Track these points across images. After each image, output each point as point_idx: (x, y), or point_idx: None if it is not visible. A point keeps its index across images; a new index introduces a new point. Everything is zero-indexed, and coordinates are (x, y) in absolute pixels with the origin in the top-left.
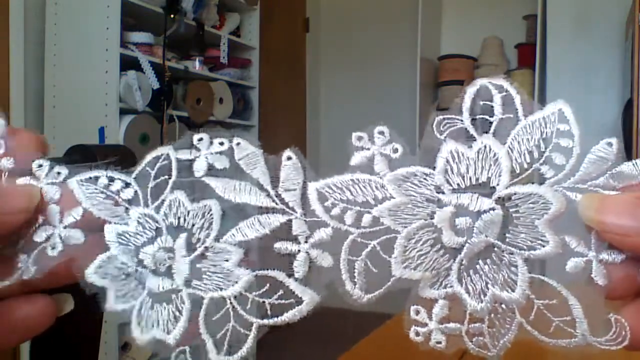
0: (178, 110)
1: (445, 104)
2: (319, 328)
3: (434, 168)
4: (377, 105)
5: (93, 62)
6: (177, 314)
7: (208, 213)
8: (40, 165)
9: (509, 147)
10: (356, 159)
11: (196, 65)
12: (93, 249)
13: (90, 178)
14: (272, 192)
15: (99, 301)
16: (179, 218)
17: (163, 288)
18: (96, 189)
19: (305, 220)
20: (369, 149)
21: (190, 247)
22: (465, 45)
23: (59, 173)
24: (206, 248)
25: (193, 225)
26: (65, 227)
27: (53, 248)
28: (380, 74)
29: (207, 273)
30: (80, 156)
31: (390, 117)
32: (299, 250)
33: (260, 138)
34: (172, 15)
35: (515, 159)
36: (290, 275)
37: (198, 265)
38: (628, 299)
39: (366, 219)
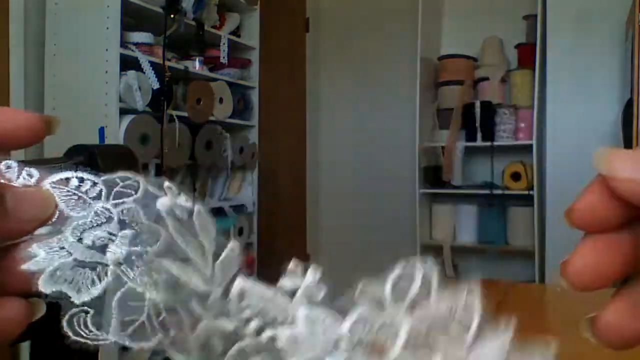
0: (178, 110)
1: (445, 104)
2: None
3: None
4: (377, 105)
5: (93, 62)
6: (96, 279)
7: (156, 232)
8: (9, 167)
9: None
10: (286, 283)
11: (196, 65)
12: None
13: (62, 180)
14: (210, 260)
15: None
16: (132, 220)
17: (91, 258)
18: (68, 191)
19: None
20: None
21: (132, 244)
22: (465, 45)
23: (30, 175)
24: (146, 251)
25: (142, 230)
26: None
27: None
28: (380, 74)
29: (139, 269)
30: (81, 156)
31: (390, 117)
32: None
33: (260, 138)
34: (172, 15)
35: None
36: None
37: (134, 259)
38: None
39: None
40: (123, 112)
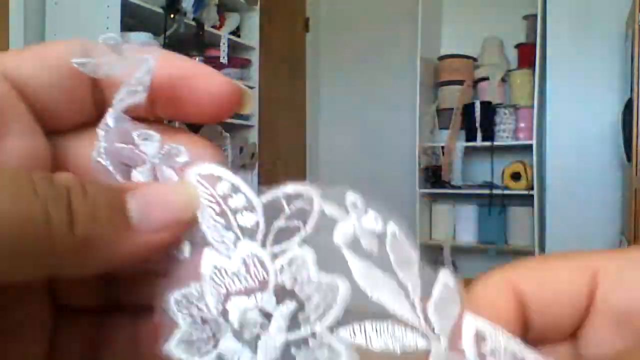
0: None
1: (445, 104)
2: None
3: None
4: (377, 105)
5: None
6: None
7: (332, 292)
8: (147, 138)
9: None
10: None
11: None
12: (192, 270)
13: (212, 176)
14: (418, 307)
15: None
16: (294, 279)
17: (239, 358)
18: (212, 195)
19: (446, 356)
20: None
21: (293, 322)
22: (465, 45)
23: (176, 154)
24: (313, 334)
25: (309, 297)
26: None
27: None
28: (380, 74)
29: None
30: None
31: (390, 117)
32: None
33: (260, 138)
34: (172, 15)
35: None
36: None
37: (293, 352)
38: None
39: None
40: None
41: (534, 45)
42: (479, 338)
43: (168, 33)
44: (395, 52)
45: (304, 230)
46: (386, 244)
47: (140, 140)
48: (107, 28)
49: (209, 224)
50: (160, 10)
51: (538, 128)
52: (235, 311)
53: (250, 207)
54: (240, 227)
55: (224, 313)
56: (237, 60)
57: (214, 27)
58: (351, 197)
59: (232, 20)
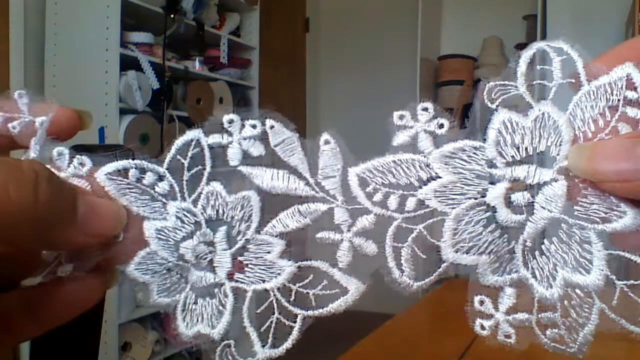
0: (178, 110)
1: (445, 104)
2: (319, 328)
3: (484, 141)
4: (377, 105)
5: (93, 62)
6: (221, 308)
7: (247, 205)
8: (61, 154)
9: (571, 115)
10: (399, 138)
11: (196, 65)
12: (132, 245)
13: (120, 171)
14: (311, 181)
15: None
16: (217, 210)
17: (206, 282)
18: (129, 183)
19: (347, 208)
20: (411, 127)
21: (230, 240)
22: (465, 45)
23: (82, 164)
24: (247, 240)
25: (232, 217)
26: None
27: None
28: (380, 74)
29: (250, 265)
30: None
31: (390, 118)
32: (341, 240)
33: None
34: (172, 15)
35: (579, 128)
36: (334, 265)
37: (240, 258)
38: None
39: (410, 202)
40: (123, 112)
41: None
42: (363, 181)
43: (168, 33)
44: (395, 52)
45: (205, 170)
46: (270, 141)
47: (56, 154)
48: (107, 28)
49: (137, 205)
50: (160, 10)
51: None
52: (188, 251)
53: (160, 178)
54: (161, 195)
55: (180, 257)
56: (237, 60)
57: (214, 27)
58: (227, 117)
59: (232, 20)
